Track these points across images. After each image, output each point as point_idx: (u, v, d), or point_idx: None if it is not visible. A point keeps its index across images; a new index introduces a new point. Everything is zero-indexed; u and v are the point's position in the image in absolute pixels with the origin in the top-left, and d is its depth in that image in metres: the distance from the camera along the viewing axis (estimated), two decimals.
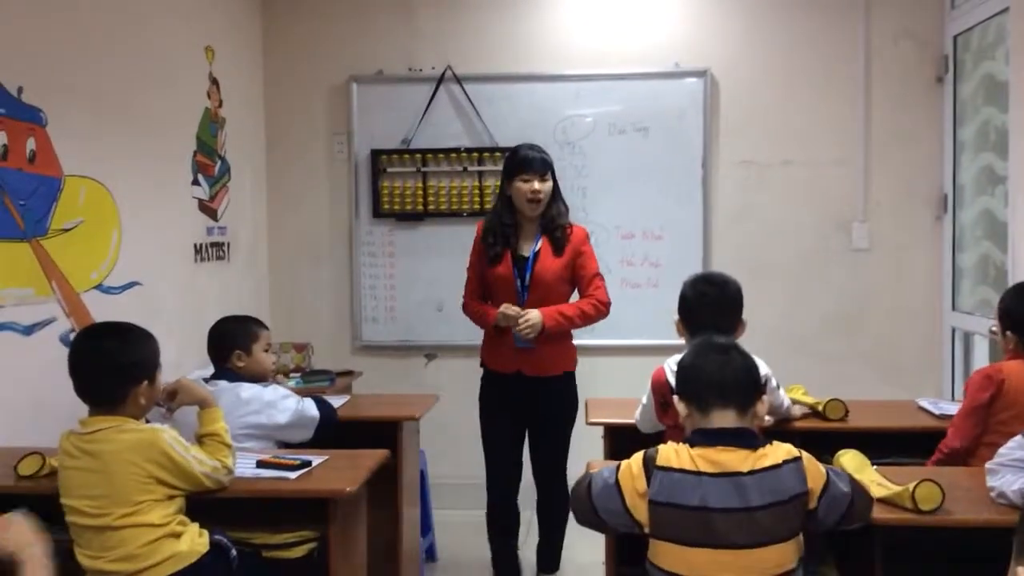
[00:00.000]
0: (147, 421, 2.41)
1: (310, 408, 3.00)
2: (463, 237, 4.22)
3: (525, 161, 3.47)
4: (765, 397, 2.07)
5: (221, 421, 2.48)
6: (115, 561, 2.20)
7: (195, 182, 4.05)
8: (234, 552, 2.37)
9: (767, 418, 2.63)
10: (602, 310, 3.53)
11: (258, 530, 2.49)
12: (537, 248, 3.49)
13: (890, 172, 4.66)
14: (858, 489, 2.05)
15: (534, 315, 3.39)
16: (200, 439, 2.42)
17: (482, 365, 3.66)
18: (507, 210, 3.51)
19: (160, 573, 2.21)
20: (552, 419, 3.58)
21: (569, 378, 3.61)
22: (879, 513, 2.16)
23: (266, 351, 3.08)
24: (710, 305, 2.74)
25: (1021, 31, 3.69)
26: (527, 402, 3.54)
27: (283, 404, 2.93)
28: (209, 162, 4.19)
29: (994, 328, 3.00)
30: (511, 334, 3.44)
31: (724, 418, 1.97)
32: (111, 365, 2.29)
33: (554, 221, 3.50)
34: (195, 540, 2.30)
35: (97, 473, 2.22)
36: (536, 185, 3.44)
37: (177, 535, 2.27)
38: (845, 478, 2.02)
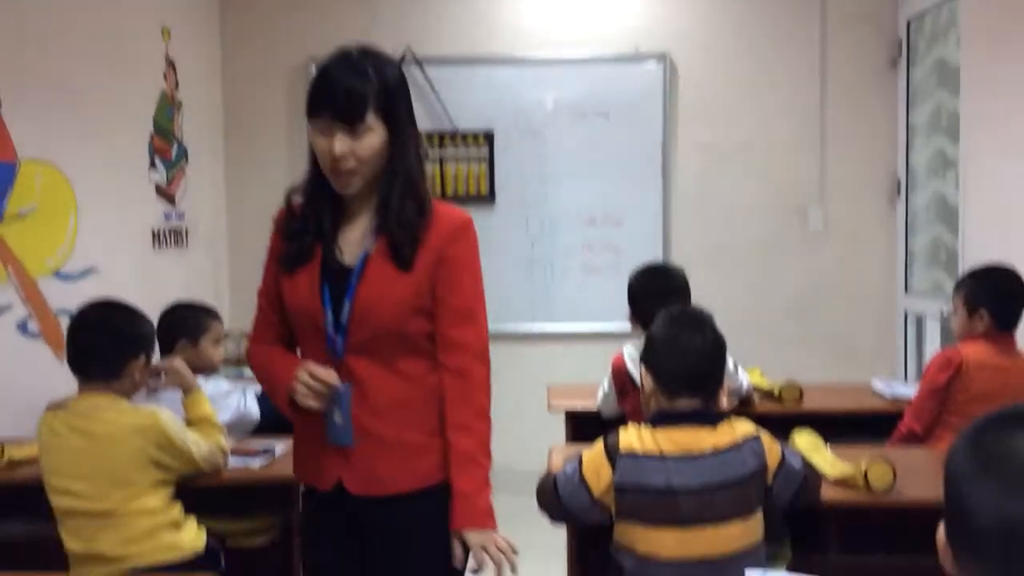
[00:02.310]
0: None
1: (252, 409, 2.84)
2: None
3: (318, 94, 1.76)
4: (726, 382, 2.11)
5: (208, 405, 2.48)
6: (114, 545, 2.18)
7: (152, 166, 4.00)
8: (223, 558, 2.36)
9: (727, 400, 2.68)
10: (484, 396, 1.85)
11: (221, 518, 2.49)
12: (369, 252, 1.82)
13: (845, 156, 4.74)
14: (809, 468, 2.10)
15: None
16: (189, 424, 2.41)
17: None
18: (321, 178, 1.83)
19: (159, 558, 2.20)
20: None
21: (430, 501, 1.83)
22: (833, 494, 2.22)
23: (216, 345, 2.87)
24: (656, 296, 2.78)
25: (972, 16, 3.77)
26: (357, 540, 1.89)
27: (225, 402, 2.77)
28: (166, 146, 4.13)
29: (946, 311, 3.06)
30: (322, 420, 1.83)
31: (689, 404, 2.00)
32: (118, 335, 2.30)
33: (392, 208, 1.80)
34: (196, 536, 2.31)
35: (91, 453, 2.19)
36: (337, 145, 1.74)
37: (178, 525, 2.27)
38: (798, 456, 2.08)
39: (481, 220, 4.95)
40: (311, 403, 1.76)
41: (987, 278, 2.94)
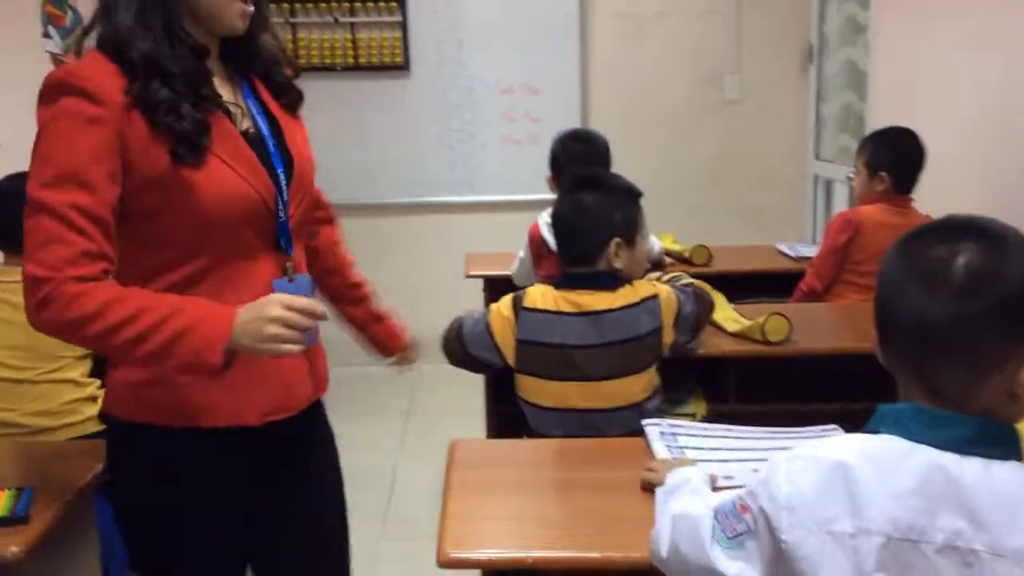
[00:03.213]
0: None
1: None
2: (338, 94, 4.09)
3: None
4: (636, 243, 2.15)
5: None
6: (32, 415, 2.19)
7: (46, 35, 3.80)
8: None
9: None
10: None
11: None
12: (258, 106, 1.53)
13: (760, 23, 4.74)
14: (699, 297, 2.16)
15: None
16: None
17: (142, 427, 1.46)
18: (176, 26, 1.39)
19: (78, 432, 2.23)
20: (323, 490, 1.67)
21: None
22: (733, 346, 2.34)
23: None
24: (578, 161, 2.83)
25: None
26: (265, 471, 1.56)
27: None
28: (59, 12, 3.92)
29: (851, 174, 3.16)
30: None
31: (578, 269, 2.07)
32: None
33: (270, 39, 1.55)
34: None
35: (17, 325, 2.15)
36: None
37: (95, 399, 2.28)
38: (689, 295, 2.13)
39: (398, 90, 4.93)
40: (292, 349, 1.34)
41: (887, 141, 3.02)
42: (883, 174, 2.96)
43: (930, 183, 3.01)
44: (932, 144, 2.99)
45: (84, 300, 1.29)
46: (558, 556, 1.37)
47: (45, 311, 1.30)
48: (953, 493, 0.99)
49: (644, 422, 1.82)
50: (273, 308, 1.32)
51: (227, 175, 1.39)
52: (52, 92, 1.36)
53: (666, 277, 2.25)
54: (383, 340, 1.90)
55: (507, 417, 2.27)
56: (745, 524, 1.11)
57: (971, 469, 1.00)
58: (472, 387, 2.70)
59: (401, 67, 4.63)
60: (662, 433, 1.75)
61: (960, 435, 1.01)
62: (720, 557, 1.13)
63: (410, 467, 3.66)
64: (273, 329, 1.31)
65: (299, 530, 1.60)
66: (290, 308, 1.33)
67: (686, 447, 1.69)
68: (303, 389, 1.53)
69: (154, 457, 1.45)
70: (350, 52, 4.60)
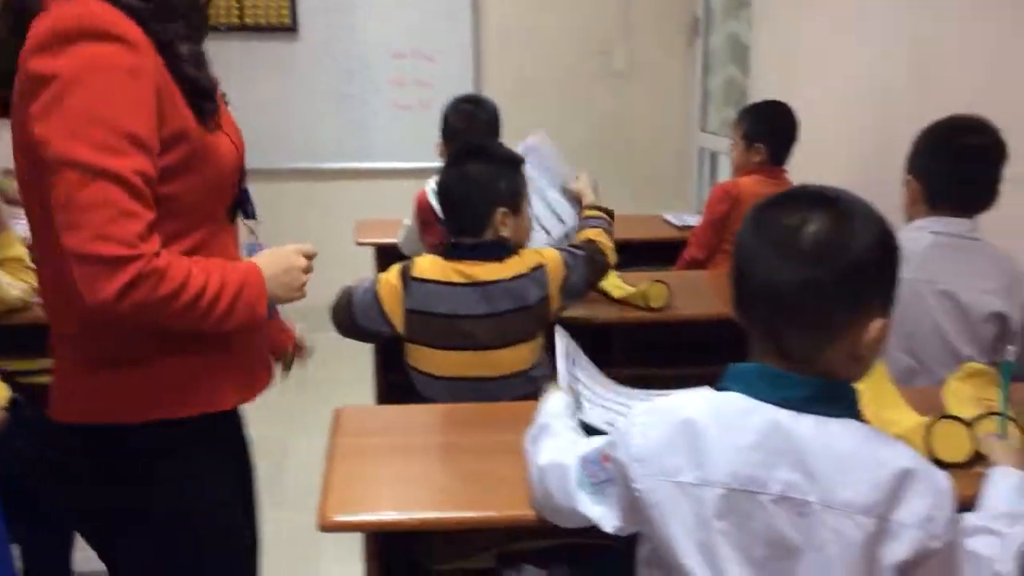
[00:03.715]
0: None
1: None
2: (223, 55, 3.95)
3: None
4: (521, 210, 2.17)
5: (19, 246, 2.34)
6: None
7: None
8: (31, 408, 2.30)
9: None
10: None
11: (14, 358, 2.42)
12: None
13: None
14: (591, 260, 2.17)
15: None
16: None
17: (150, 426, 1.35)
18: None
19: None
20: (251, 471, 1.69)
21: None
22: (617, 312, 2.42)
23: None
24: (468, 129, 2.84)
25: None
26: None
27: None
28: None
29: (733, 144, 3.26)
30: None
31: (468, 240, 2.08)
32: None
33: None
34: (2, 390, 2.22)
35: None
36: None
37: None
38: (579, 259, 2.15)
39: (285, 52, 4.81)
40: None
41: (762, 113, 3.14)
42: (759, 145, 3.08)
43: (805, 156, 3.14)
44: (809, 118, 3.10)
45: (169, 275, 1.22)
46: (437, 517, 1.40)
47: (136, 292, 1.18)
48: (789, 449, 1.06)
49: (558, 329, 1.74)
50: (299, 258, 1.43)
51: (223, 139, 1.37)
52: (73, 39, 1.17)
53: (585, 213, 2.32)
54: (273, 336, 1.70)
55: (396, 386, 2.28)
56: (606, 472, 1.19)
57: (807, 426, 1.07)
58: (362, 357, 2.69)
59: (289, 28, 4.53)
60: (567, 352, 1.67)
61: (799, 395, 1.08)
62: (585, 501, 1.22)
63: (300, 438, 3.63)
64: (305, 277, 1.44)
65: (250, 511, 1.62)
66: (306, 255, 1.45)
67: (580, 380, 1.66)
68: (266, 367, 1.54)
69: (145, 454, 1.35)
70: (235, 10, 4.47)
